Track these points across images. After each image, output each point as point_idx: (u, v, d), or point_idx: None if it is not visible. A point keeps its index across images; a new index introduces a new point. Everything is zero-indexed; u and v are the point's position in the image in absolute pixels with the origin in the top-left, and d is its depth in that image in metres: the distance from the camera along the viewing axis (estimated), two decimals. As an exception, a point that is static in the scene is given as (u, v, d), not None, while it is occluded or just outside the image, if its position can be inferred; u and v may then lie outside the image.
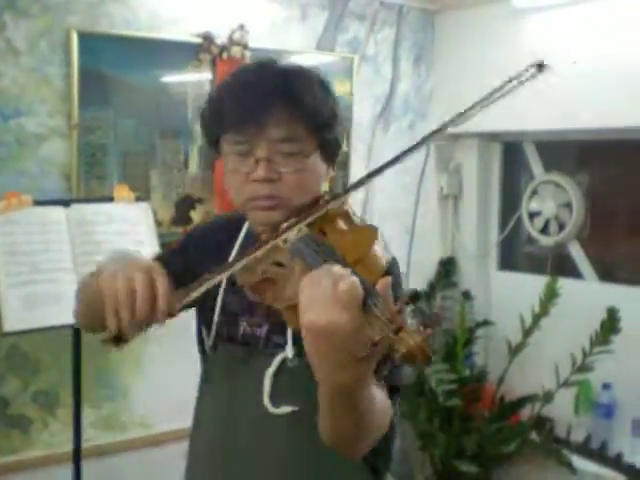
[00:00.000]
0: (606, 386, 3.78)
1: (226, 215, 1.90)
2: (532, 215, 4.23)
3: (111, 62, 3.23)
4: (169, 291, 1.38)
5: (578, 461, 3.74)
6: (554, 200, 4.11)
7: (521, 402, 3.93)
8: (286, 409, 1.59)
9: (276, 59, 1.61)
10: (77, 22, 3.15)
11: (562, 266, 4.17)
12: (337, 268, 1.15)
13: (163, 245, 3.07)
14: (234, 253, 1.71)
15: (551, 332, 3.87)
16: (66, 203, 2.92)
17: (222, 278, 1.45)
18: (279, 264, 1.40)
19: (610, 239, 4.14)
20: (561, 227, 4.10)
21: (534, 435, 3.89)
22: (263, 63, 1.59)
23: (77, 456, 2.97)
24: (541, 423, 3.91)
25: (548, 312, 3.81)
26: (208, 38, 3.45)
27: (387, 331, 1.06)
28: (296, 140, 1.53)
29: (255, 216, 1.59)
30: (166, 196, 3.43)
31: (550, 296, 3.82)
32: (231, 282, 1.60)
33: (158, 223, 3.31)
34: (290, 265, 1.37)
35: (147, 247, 2.96)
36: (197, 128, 3.44)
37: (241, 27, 3.52)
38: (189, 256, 1.78)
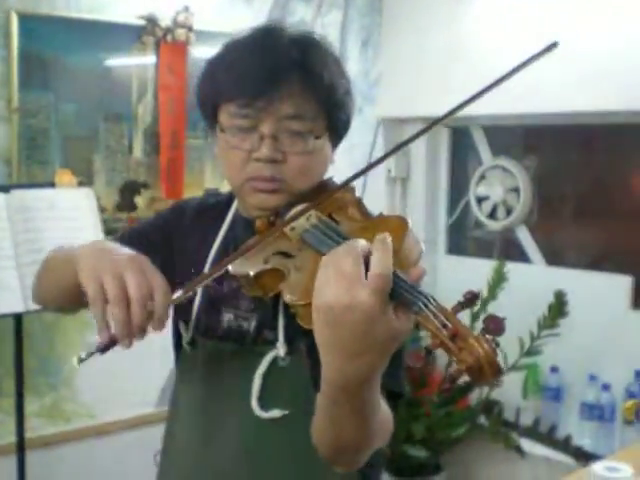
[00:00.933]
0: (554, 369, 3.80)
1: (213, 195, 1.75)
2: (480, 200, 4.21)
3: (52, 45, 3.15)
4: (168, 293, 1.26)
5: (527, 444, 3.76)
6: (502, 185, 4.09)
7: (469, 386, 3.84)
8: (276, 413, 1.45)
9: (284, 24, 1.47)
10: (17, 3, 3.06)
11: (510, 250, 4.17)
12: (363, 242, 1.05)
13: (108, 232, 3.02)
14: (219, 239, 1.57)
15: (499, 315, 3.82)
16: (5, 189, 2.83)
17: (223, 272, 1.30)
18: (285, 254, 1.27)
19: (557, 224, 4.13)
20: (509, 212, 4.09)
21: (483, 419, 3.90)
22: (275, 27, 1.45)
23: (21, 447, 2.90)
24: (489, 407, 3.90)
25: (496, 296, 3.79)
26: (152, 20, 3.38)
27: (441, 336, 0.98)
28: (307, 118, 1.40)
29: (252, 199, 1.45)
30: (110, 181, 3.36)
31: (498, 280, 3.81)
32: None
33: (102, 209, 3.24)
34: (300, 255, 1.25)
35: (90, 233, 2.89)
36: (141, 111, 3.41)
37: (186, 9, 3.45)
38: (167, 234, 1.64)
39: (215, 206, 1.64)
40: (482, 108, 3.90)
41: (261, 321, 1.49)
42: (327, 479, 1.40)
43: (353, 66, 4.22)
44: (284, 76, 1.36)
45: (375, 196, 4.34)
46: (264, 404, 1.45)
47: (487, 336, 0.97)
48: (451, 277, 4.33)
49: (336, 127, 1.48)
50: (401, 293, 1.02)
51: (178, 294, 1.30)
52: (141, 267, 1.26)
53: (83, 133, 3.29)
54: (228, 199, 1.63)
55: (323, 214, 1.32)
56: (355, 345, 1.01)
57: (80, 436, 3.36)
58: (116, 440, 3.38)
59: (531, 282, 3.94)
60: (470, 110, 4.15)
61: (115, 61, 3.36)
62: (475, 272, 4.08)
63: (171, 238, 1.63)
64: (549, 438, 3.74)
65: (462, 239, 4.54)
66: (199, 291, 1.53)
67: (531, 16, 3.64)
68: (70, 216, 2.91)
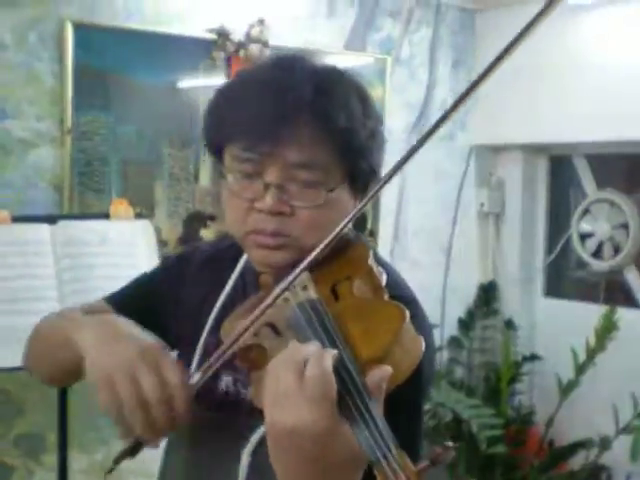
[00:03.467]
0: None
1: (229, 237, 1.52)
2: (583, 236, 3.97)
3: (111, 59, 2.93)
4: (186, 387, 1.15)
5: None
6: (608, 220, 3.86)
7: (573, 448, 3.57)
8: None
9: (303, 55, 1.31)
10: (72, 12, 2.86)
11: (617, 294, 3.91)
12: (308, 348, 0.95)
13: None
14: (227, 290, 1.41)
15: (608, 369, 3.53)
16: (52, 220, 2.54)
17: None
18: (275, 329, 1.10)
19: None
20: (616, 250, 3.85)
21: (588, 486, 3.53)
22: (288, 59, 1.29)
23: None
24: (596, 473, 3.57)
25: (605, 347, 3.47)
26: (223, 34, 3.16)
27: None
28: (318, 168, 1.21)
29: (254, 254, 1.28)
30: (173, 212, 3.10)
31: (607, 328, 3.49)
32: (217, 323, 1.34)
33: (163, 243, 3.00)
34: (285, 335, 1.08)
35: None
36: None
37: (261, 22, 3.23)
38: (161, 294, 1.49)
39: (228, 251, 1.48)
40: (585, 135, 3.65)
41: None
42: None
43: (443, 88, 3.98)
44: (292, 115, 1.19)
45: (466, 233, 4.06)
46: None
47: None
48: (551, 323, 4.08)
49: (357, 177, 1.28)
50: (350, 411, 0.90)
51: (196, 379, 1.18)
52: (155, 361, 1.15)
53: (144, 158, 3.04)
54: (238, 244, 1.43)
55: (326, 283, 1.16)
56: (308, 472, 0.91)
57: (134, 496, 3.03)
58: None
59: (643, 330, 3.66)
60: (572, 137, 3.76)
61: (181, 79, 3.14)
62: (577, 318, 3.87)
63: (171, 291, 1.49)
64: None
65: (562, 280, 4.28)
66: (198, 350, 1.39)
67: None
68: (124, 252, 2.64)
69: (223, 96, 1.28)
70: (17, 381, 2.75)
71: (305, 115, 1.19)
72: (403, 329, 1.02)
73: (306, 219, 1.22)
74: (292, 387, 0.90)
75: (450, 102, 3.66)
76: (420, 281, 3.81)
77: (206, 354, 1.36)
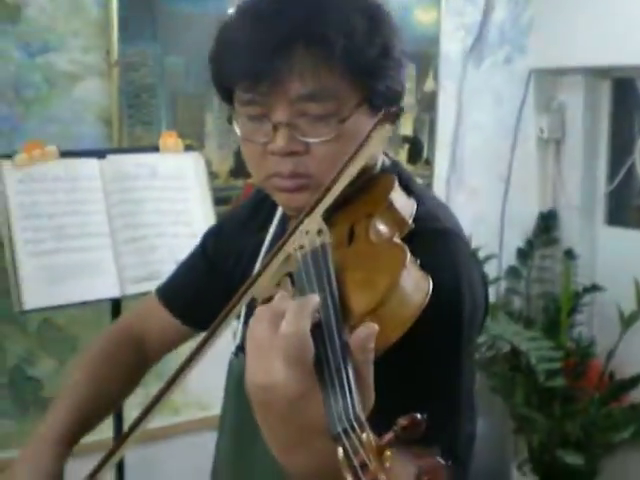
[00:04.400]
0: None
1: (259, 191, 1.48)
2: None
3: None
4: None
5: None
6: None
7: (635, 381, 3.45)
8: None
9: None
10: None
11: None
12: (289, 302, 0.84)
13: (219, 201, 2.71)
14: (267, 240, 1.38)
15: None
16: (101, 154, 2.48)
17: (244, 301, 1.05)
18: (292, 279, 0.98)
19: None
20: None
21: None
22: None
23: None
24: None
25: None
26: None
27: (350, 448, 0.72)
28: (328, 97, 1.11)
29: (278, 199, 1.22)
30: (224, 144, 3.00)
31: None
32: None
33: (214, 175, 2.92)
34: (296, 286, 0.97)
35: (198, 205, 2.56)
36: None
37: None
38: (214, 263, 1.49)
39: (266, 200, 1.39)
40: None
41: None
42: None
43: (501, 10, 3.79)
44: (287, 44, 1.09)
45: (525, 160, 3.94)
46: None
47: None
48: (612, 251, 3.93)
49: (376, 98, 1.16)
50: (322, 375, 0.80)
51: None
52: None
53: (194, 90, 2.92)
54: None
55: (344, 224, 1.07)
56: (283, 432, 0.81)
57: (190, 429, 3.03)
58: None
59: None
60: (637, 59, 3.59)
61: (231, 6, 2.93)
62: (640, 247, 3.71)
63: (228, 247, 1.48)
64: None
65: (624, 209, 4.07)
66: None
67: None
68: (175, 185, 2.58)
69: (221, 37, 1.20)
70: (69, 316, 2.72)
71: (300, 41, 1.09)
72: (401, 275, 0.90)
73: (323, 155, 1.13)
74: (266, 342, 0.82)
75: (508, 26, 3.51)
76: (478, 211, 3.76)
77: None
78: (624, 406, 3.45)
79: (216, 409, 1.54)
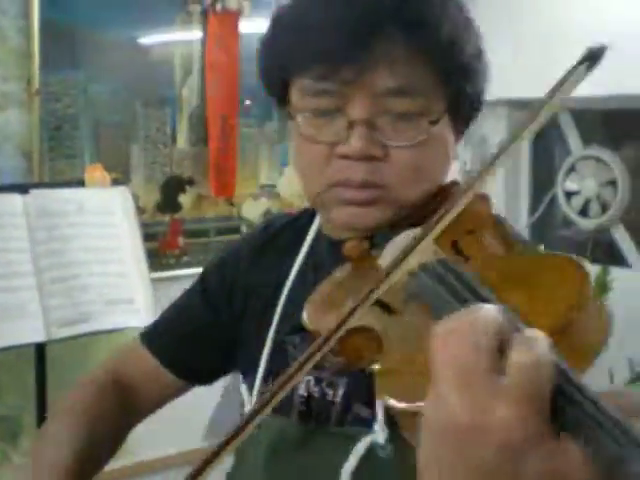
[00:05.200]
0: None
1: (280, 217, 1.32)
2: (569, 195, 3.85)
3: (81, 14, 2.78)
4: None
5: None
6: (595, 178, 3.75)
7: None
8: None
9: None
10: None
11: (605, 253, 3.79)
12: (498, 314, 0.59)
13: (146, 237, 2.62)
14: (295, 268, 1.16)
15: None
16: (23, 189, 2.38)
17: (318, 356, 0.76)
18: (385, 307, 0.80)
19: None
20: (604, 208, 3.74)
21: None
22: None
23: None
24: None
25: None
26: None
27: None
28: (417, 94, 0.96)
29: (338, 214, 1.02)
30: (150, 177, 2.96)
31: (600, 290, 3.37)
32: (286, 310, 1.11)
33: (140, 210, 2.84)
34: (401, 309, 0.80)
35: (126, 241, 2.48)
36: (186, 94, 3.03)
37: None
38: (228, 289, 1.25)
39: (286, 227, 1.24)
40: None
41: (352, 389, 1.03)
42: None
43: None
44: (378, 31, 0.94)
45: None
46: None
47: None
48: None
49: (460, 106, 1.03)
50: (574, 412, 0.56)
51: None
52: None
53: (118, 120, 2.90)
54: (309, 216, 1.21)
55: (443, 242, 0.83)
56: None
57: (117, 477, 2.91)
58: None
59: (633, 291, 3.51)
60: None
61: (156, 35, 3.00)
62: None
63: (232, 292, 1.25)
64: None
65: (548, 239, 4.15)
66: (268, 344, 1.13)
67: None
68: (103, 222, 2.49)
69: (281, 20, 1.05)
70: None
71: (394, 27, 0.95)
72: (586, 287, 0.72)
73: (404, 162, 0.98)
74: (479, 370, 0.58)
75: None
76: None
77: (278, 345, 1.14)
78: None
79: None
